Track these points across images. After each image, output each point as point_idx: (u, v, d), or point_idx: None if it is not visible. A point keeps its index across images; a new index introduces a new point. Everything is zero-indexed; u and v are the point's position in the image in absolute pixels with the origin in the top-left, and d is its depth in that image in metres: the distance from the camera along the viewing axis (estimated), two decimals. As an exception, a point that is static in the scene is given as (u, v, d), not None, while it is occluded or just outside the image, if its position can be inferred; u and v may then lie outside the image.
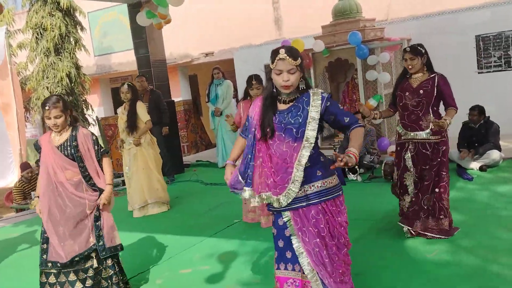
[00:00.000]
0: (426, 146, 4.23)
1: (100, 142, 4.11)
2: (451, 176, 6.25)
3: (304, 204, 2.68)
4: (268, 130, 2.66)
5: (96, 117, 10.87)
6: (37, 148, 3.69)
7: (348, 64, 8.65)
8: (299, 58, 2.64)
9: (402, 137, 4.35)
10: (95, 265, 3.62)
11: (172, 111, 9.01)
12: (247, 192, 2.79)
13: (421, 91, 4.16)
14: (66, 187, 3.56)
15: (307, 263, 2.72)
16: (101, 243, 3.59)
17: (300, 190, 2.65)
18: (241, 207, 5.62)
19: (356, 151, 2.57)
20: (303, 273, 2.77)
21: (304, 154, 2.62)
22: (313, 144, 2.65)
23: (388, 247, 4.26)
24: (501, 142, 6.82)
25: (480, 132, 6.72)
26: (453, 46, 8.83)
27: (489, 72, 8.75)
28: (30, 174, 9.04)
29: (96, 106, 15.53)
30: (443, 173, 4.29)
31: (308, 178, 2.65)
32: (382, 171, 6.55)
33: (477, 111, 6.68)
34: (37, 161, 9.70)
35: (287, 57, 2.59)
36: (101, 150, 3.69)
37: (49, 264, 3.59)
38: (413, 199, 4.32)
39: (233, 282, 3.96)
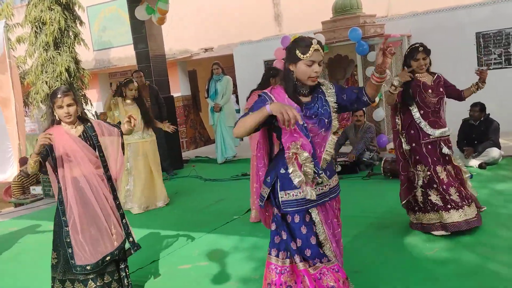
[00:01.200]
0: (446, 142, 4.32)
1: None
2: (451, 174, 6.28)
3: (327, 199, 2.77)
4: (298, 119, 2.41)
5: (95, 112, 10.85)
6: (46, 147, 3.41)
7: (348, 60, 8.63)
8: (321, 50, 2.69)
9: (431, 136, 4.26)
10: (121, 265, 3.55)
11: (171, 107, 9.01)
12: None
13: (441, 89, 4.28)
14: (91, 179, 3.41)
15: (333, 255, 2.77)
16: (131, 239, 3.56)
17: (326, 185, 2.74)
18: (239, 204, 5.63)
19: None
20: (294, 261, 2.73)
21: (331, 144, 2.70)
22: (335, 136, 2.79)
23: (387, 244, 4.26)
24: (500, 140, 6.82)
25: (480, 130, 6.72)
26: (453, 43, 8.82)
27: (489, 69, 8.71)
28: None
29: (95, 101, 15.49)
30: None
31: (329, 172, 2.76)
32: (382, 168, 6.55)
33: (479, 107, 6.67)
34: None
35: (320, 49, 2.59)
36: (118, 128, 3.65)
37: (78, 269, 3.34)
38: (444, 191, 4.22)
39: (232, 278, 3.96)
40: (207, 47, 13.01)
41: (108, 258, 3.39)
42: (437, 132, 4.26)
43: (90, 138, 3.48)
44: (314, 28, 9.32)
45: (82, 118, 3.56)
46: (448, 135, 4.36)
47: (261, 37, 11.53)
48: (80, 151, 3.40)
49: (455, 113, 7.03)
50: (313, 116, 2.65)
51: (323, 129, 2.66)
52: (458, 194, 4.24)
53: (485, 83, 4.43)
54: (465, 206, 4.21)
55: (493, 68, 8.69)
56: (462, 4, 8.97)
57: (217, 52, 12.78)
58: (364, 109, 7.77)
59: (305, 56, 2.56)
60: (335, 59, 8.57)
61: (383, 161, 6.60)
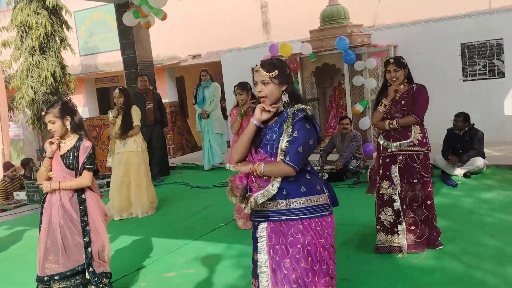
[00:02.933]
0: (414, 158, 4.12)
1: None
2: (436, 183, 6.36)
3: (283, 218, 2.56)
4: (255, 144, 2.63)
5: (81, 116, 10.74)
6: (41, 152, 3.63)
7: (335, 69, 8.69)
8: (276, 71, 2.57)
9: (388, 149, 4.22)
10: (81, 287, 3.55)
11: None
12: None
13: (403, 102, 4.16)
14: (62, 198, 3.52)
15: (266, 284, 2.58)
16: (91, 269, 3.52)
17: (282, 203, 2.56)
18: (226, 211, 5.60)
19: (261, 168, 2.53)
20: None
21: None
22: None
23: (373, 253, 4.26)
24: (485, 150, 6.90)
25: (464, 139, 6.80)
26: (438, 53, 8.94)
27: (474, 80, 8.87)
28: (14, 173, 8.90)
29: (81, 107, 15.37)
30: (431, 189, 4.22)
31: (291, 192, 2.55)
32: (368, 176, 6.55)
33: (462, 117, 6.75)
34: (23, 160, 9.59)
35: (260, 69, 2.59)
36: (88, 166, 3.56)
37: (36, 278, 3.55)
38: (405, 214, 4.13)
39: (219, 286, 3.93)
40: (195, 54, 13.00)
41: (56, 277, 3.47)
42: (394, 145, 4.15)
43: (72, 158, 3.54)
44: (302, 36, 9.37)
45: (79, 132, 3.61)
46: (418, 150, 4.11)
47: (249, 44, 11.56)
48: (57, 167, 3.53)
49: (439, 122, 7.15)
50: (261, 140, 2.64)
51: (267, 155, 2.58)
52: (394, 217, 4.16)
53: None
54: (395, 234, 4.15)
55: (478, 79, 8.82)
56: (448, 16, 9.11)
57: (205, 58, 12.78)
58: (350, 117, 7.82)
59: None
60: (322, 67, 8.62)
61: (369, 169, 6.59)
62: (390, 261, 4.06)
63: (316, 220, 2.56)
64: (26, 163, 9.24)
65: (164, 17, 8.19)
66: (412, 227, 4.15)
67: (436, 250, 4.16)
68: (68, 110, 3.60)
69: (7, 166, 8.91)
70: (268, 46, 8.75)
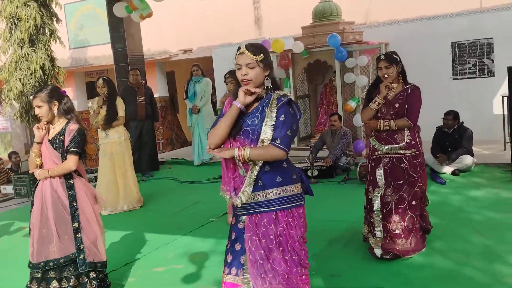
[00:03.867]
0: (402, 159, 4.00)
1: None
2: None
3: (262, 210, 2.56)
4: (234, 130, 2.58)
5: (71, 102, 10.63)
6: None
7: (327, 66, 8.69)
8: (262, 54, 2.55)
9: (376, 151, 4.10)
10: (73, 277, 3.51)
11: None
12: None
13: (397, 105, 4.00)
14: (54, 183, 3.50)
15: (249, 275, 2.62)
16: (81, 256, 3.49)
17: (259, 194, 2.55)
18: (216, 206, 5.58)
19: (247, 152, 2.48)
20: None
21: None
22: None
23: (363, 248, 4.27)
24: (473, 148, 6.95)
25: (453, 137, 6.84)
26: (429, 52, 8.98)
27: (464, 78, 8.93)
28: (1, 166, 8.82)
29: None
30: (418, 189, 4.06)
31: (267, 183, 2.55)
32: (358, 173, 6.60)
33: (452, 115, 6.80)
34: (10, 154, 9.48)
35: (246, 51, 2.54)
36: (71, 149, 3.49)
37: (30, 265, 3.54)
38: (388, 218, 4.02)
39: (208, 282, 3.92)
40: (186, 49, 12.93)
41: (51, 263, 3.46)
42: (385, 148, 4.04)
43: (59, 142, 3.52)
44: (294, 33, 9.36)
45: (69, 117, 3.58)
46: (406, 153, 4.00)
47: (241, 40, 11.50)
48: (47, 153, 3.52)
49: (429, 120, 7.16)
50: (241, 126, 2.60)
51: (247, 141, 2.56)
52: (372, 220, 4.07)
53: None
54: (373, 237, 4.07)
55: (468, 78, 8.88)
56: (439, 14, 9.14)
57: (196, 54, 12.72)
58: (340, 113, 7.83)
59: (235, 61, 2.61)
60: (314, 64, 8.62)
61: (359, 166, 6.66)
62: (379, 258, 4.06)
63: (288, 210, 2.57)
64: (9, 157, 9.10)
65: (149, 15, 8.10)
66: (396, 231, 3.97)
67: (426, 246, 4.16)
68: (56, 95, 3.57)
69: (-6, 159, 8.82)
70: (260, 42, 8.72)
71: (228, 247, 2.73)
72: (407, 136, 4.01)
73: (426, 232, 4.26)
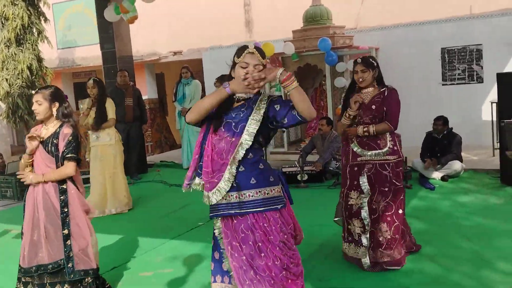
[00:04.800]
0: (385, 166, 3.88)
1: None
2: (414, 185, 6.40)
3: (233, 212, 2.51)
4: (216, 122, 2.57)
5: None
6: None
7: (317, 70, 8.70)
8: (265, 59, 2.59)
9: (358, 158, 3.95)
10: (66, 284, 3.45)
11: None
12: (197, 180, 2.69)
13: (373, 107, 3.89)
14: (46, 187, 3.42)
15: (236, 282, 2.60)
16: (70, 264, 3.41)
17: (233, 195, 2.51)
18: (205, 210, 5.52)
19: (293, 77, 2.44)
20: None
21: (240, 151, 2.49)
22: (250, 143, 2.49)
23: (352, 254, 4.26)
24: (462, 154, 6.99)
25: (443, 143, 6.86)
26: (419, 57, 9.03)
27: (453, 84, 8.98)
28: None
29: (58, 101, 15.07)
30: (403, 198, 3.99)
31: (241, 184, 2.50)
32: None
33: (442, 121, 6.83)
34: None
35: (256, 52, 2.54)
36: (68, 155, 3.42)
37: (21, 269, 3.47)
38: (375, 225, 3.91)
39: (196, 286, 3.88)
40: (176, 50, 12.87)
41: (42, 268, 3.40)
42: (368, 154, 3.92)
43: (51, 145, 3.45)
44: (285, 36, 9.36)
45: (64, 119, 3.52)
46: (388, 159, 3.89)
47: (231, 42, 11.48)
48: (38, 156, 3.44)
49: (418, 125, 7.22)
50: (223, 119, 2.58)
51: (229, 134, 2.53)
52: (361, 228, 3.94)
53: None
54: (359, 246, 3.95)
55: (457, 83, 8.93)
56: (429, 20, 9.20)
57: (186, 56, 12.67)
58: (330, 118, 7.83)
59: (239, 59, 2.58)
60: (304, 68, 8.62)
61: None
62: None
63: (263, 215, 2.52)
64: None
65: (135, 17, 8.00)
66: (381, 238, 3.88)
67: (414, 252, 4.16)
68: (59, 96, 3.53)
69: (-20, 160, 8.67)
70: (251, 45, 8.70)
71: (212, 254, 2.73)
72: (390, 141, 3.91)
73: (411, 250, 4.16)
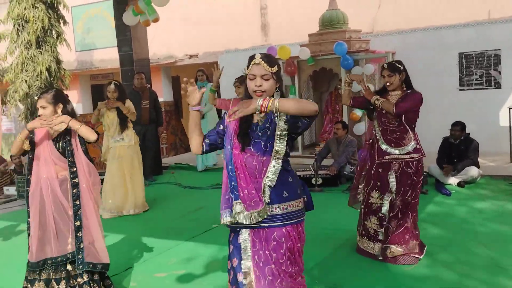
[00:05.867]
0: (409, 164, 4.09)
1: None
2: (430, 191, 6.35)
3: (266, 225, 2.50)
4: (245, 140, 2.52)
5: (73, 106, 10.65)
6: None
7: (332, 73, 8.68)
8: (276, 66, 2.51)
9: (385, 156, 4.12)
10: (71, 278, 3.52)
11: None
12: (237, 207, 2.51)
13: None
14: (53, 183, 3.51)
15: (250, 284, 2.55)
16: (80, 256, 3.48)
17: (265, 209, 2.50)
18: (219, 212, 5.53)
19: (276, 102, 2.34)
20: None
21: (273, 170, 2.48)
22: (282, 159, 2.49)
23: (366, 259, 4.23)
24: (479, 159, 6.90)
25: (459, 148, 6.80)
26: (436, 62, 8.95)
27: (470, 89, 8.89)
28: (6, 167, 8.82)
29: (75, 103, 15.25)
30: (418, 191, 4.22)
31: (273, 198, 2.49)
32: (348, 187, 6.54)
33: (459, 126, 6.76)
34: (11, 155, 9.48)
35: (262, 62, 2.48)
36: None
37: (29, 264, 3.56)
38: (394, 221, 4.13)
39: (209, 288, 3.89)
40: (192, 54, 12.95)
41: (49, 262, 3.48)
42: (394, 151, 4.09)
43: (63, 141, 3.54)
44: (301, 40, 9.36)
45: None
46: (413, 157, 4.08)
47: (247, 46, 11.53)
48: (48, 152, 3.52)
49: (435, 131, 7.14)
50: (251, 137, 2.53)
51: (260, 153, 2.50)
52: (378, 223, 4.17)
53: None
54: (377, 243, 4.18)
55: (474, 89, 8.84)
56: (447, 24, 9.12)
57: (202, 59, 12.74)
58: (346, 122, 7.80)
59: (247, 70, 2.55)
60: (319, 72, 8.61)
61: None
62: (383, 268, 4.03)
63: (295, 225, 2.54)
64: (0, 161, 8.97)
65: (155, 20, 8.11)
66: (398, 231, 4.10)
67: (429, 258, 4.13)
68: (61, 97, 3.62)
69: (0, 160, 8.81)
70: (266, 48, 8.72)
71: (228, 263, 2.67)
72: (413, 140, 4.10)
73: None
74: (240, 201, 2.50)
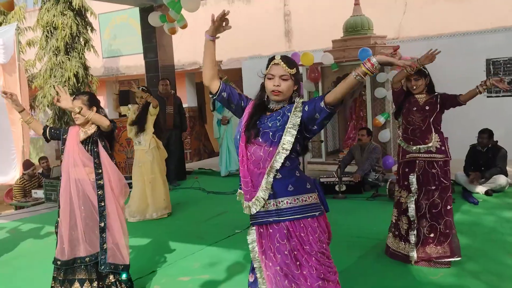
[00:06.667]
0: (433, 164, 4.15)
1: None
2: (457, 199, 6.24)
3: (272, 220, 2.51)
4: (251, 132, 2.55)
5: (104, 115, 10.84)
6: (61, 133, 3.73)
7: (357, 80, 8.61)
8: (295, 69, 2.56)
9: (407, 155, 4.26)
10: (96, 280, 3.60)
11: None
12: (239, 190, 2.66)
13: (427, 108, 4.21)
14: (83, 184, 3.60)
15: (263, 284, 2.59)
16: (103, 256, 3.57)
17: (270, 203, 2.51)
18: (242, 217, 5.54)
19: (375, 59, 2.39)
20: None
21: (278, 160, 2.48)
22: (288, 152, 2.47)
23: (391, 267, 4.19)
24: (508, 168, 6.76)
25: (487, 156, 6.67)
26: (463, 68, 8.81)
27: (498, 96, 8.72)
28: (34, 171, 9.01)
29: (106, 108, 15.50)
30: (451, 194, 4.25)
31: (278, 191, 2.50)
32: (387, 189, 6.48)
33: (487, 134, 6.64)
34: (39, 159, 9.70)
35: (281, 62, 2.54)
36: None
37: (53, 260, 3.65)
38: (423, 222, 4.17)
39: (232, 294, 3.89)
40: (216, 60, 13.02)
41: (78, 261, 3.57)
42: (413, 148, 4.19)
43: (91, 144, 3.63)
44: (325, 46, 9.33)
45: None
46: (435, 157, 4.13)
47: (270, 52, 11.54)
48: (77, 154, 3.61)
49: (462, 138, 7.02)
50: (260, 128, 2.55)
51: (267, 143, 2.50)
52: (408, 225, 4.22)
53: (486, 88, 4.35)
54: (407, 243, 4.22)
55: (502, 96, 8.67)
56: (474, 30, 8.99)
57: (226, 65, 12.81)
58: (370, 128, 7.73)
59: (266, 70, 2.62)
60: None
61: (388, 183, 6.54)
62: (408, 277, 3.98)
63: (301, 224, 2.50)
64: (29, 165, 9.11)
65: (184, 26, 8.20)
66: (432, 234, 4.13)
67: (456, 267, 4.06)
68: (95, 101, 3.73)
69: (28, 164, 9.01)
70: (290, 55, 8.72)
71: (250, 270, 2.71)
72: (437, 141, 4.15)
73: None
74: (241, 192, 2.60)
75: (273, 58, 2.59)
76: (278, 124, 2.51)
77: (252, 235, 2.63)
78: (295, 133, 2.48)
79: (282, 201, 2.50)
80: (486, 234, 4.95)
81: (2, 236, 6.11)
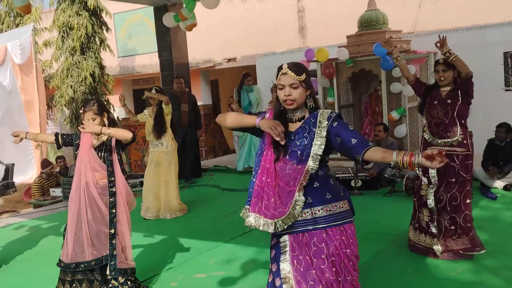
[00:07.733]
0: (453, 158, 4.14)
1: None
2: (474, 194, 6.15)
3: (310, 228, 2.47)
4: (280, 151, 2.52)
5: (117, 117, 10.94)
6: (73, 138, 3.79)
7: (372, 75, 8.56)
8: (304, 74, 2.53)
9: (428, 147, 4.21)
10: (103, 283, 3.66)
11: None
12: (250, 219, 2.61)
13: (449, 101, 4.20)
14: (91, 189, 3.65)
15: None
16: (113, 262, 3.63)
17: (307, 212, 2.48)
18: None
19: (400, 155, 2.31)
20: None
21: (307, 178, 2.47)
22: (317, 166, 2.46)
23: (407, 263, 4.16)
24: (527, 162, 6.64)
25: (505, 151, 6.57)
26: (480, 62, 8.64)
27: (517, 90, 8.58)
28: (52, 170, 9.14)
29: (118, 107, 15.62)
30: (470, 188, 4.24)
31: (317, 199, 2.48)
32: (404, 185, 6.42)
33: (505, 128, 6.53)
34: (56, 158, 9.83)
35: (289, 71, 2.51)
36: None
37: (61, 264, 3.72)
38: (444, 215, 4.17)
39: (249, 290, 3.90)
40: (230, 57, 13.06)
41: (82, 266, 3.61)
42: (439, 141, 4.20)
43: (105, 151, 3.68)
44: (339, 41, 9.28)
45: (114, 126, 3.73)
46: (456, 151, 4.13)
47: (285, 49, 11.54)
48: (88, 160, 3.66)
49: (480, 133, 6.90)
50: (287, 147, 2.52)
51: (295, 161, 2.49)
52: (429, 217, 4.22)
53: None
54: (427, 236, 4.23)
55: (520, 89, 8.53)
56: (490, 23, 8.85)
57: (240, 62, 12.83)
58: (386, 124, 7.67)
59: (276, 81, 2.60)
60: (359, 73, 8.51)
61: (405, 179, 6.48)
62: (426, 273, 3.95)
63: (341, 228, 2.49)
64: (47, 164, 9.25)
65: (194, 25, 8.17)
66: (452, 227, 4.14)
67: (475, 263, 4.02)
68: (104, 107, 3.78)
69: (46, 163, 9.14)
70: (304, 51, 8.70)
71: (270, 266, 2.66)
72: (460, 134, 4.15)
73: None
74: (255, 214, 2.58)
75: (281, 67, 2.57)
76: (305, 143, 2.49)
77: (284, 237, 2.56)
78: (323, 148, 2.47)
79: (320, 209, 2.48)
80: (505, 229, 4.89)
81: (23, 234, 6.21)
